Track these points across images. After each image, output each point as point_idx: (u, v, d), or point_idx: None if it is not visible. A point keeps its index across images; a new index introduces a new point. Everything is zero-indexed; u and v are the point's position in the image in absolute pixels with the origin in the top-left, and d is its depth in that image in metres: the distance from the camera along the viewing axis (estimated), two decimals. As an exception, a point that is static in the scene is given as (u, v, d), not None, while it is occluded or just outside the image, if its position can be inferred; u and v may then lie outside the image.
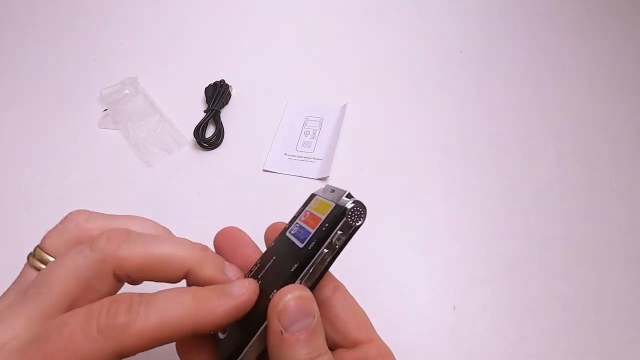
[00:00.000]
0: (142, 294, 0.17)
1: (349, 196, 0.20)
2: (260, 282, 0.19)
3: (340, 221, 0.19)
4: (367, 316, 0.21)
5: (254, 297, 0.18)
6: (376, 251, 0.39)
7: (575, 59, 0.55)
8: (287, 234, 0.21)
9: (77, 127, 0.50)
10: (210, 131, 0.48)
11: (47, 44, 0.59)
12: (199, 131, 0.47)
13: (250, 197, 0.44)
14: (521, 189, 0.43)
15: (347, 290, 0.22)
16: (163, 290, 0.17)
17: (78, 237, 0.19)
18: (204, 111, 0.49)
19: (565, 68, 0.54)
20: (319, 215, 0.20)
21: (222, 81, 0.51)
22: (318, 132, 0.48)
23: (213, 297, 0.17)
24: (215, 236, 0.23)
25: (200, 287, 0.18)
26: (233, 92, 0.52)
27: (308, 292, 0.18)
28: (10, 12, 0.63)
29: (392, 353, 0.21)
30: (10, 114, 0.51)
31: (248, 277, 0.21)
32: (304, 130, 0.49)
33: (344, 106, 0.50)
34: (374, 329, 0.21)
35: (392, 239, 0.40)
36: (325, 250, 0.19)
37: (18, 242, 0.42)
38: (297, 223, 0.21)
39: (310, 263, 0.19)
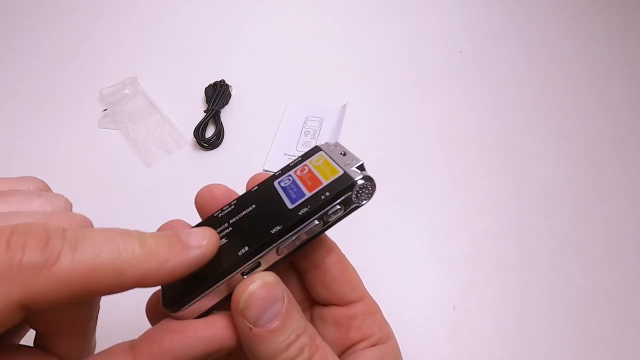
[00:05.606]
0: (63, 228, 0.13)
1: (361, 168, 0.17)
2: (230, 228, 0.17)
3: (344, 195, 0.16)
4: (358, 275, 0.21)
5: (214, 250, 0.15)
6: (376, 251, 0.39)
7: (575, 57, 0.55)
8: (276, 183, 0.18)
9: (77, 127, 0.50)
10: (210, 131, 0.48)
11: (47, 44, 0.59)
12: (199, 131, 0.47)
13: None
14: (521, 189, 0.43)
15: (340, 251, 0.20)
16: (97, 229, 0.13)
17: None
18: (204, 111, 0.49)
19: (564, 67, 0.54)
20: (320, 178, 0.17)
21: (222, 81, 0.51)
22: (318, 132, 0.48)
23: (164, 245, 0.14)
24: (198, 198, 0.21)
25: (148, 233, 0.14)
26: (233, 92, 0.52)
27: (271, 277, 0.16)
28: (9, 12, 0.63)
29: (379, 309, 0.20)
30: (10, 114, 0.51)
31: (217, 216, 0.19)
32: (304, 130, 0.49)
33: (344, 106, 0.50)
34: (364, 287, 0.21)
35: (392, 239, 0.40)
36: (316, 222, 0.16)
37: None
38: (290, 175, 0.18)
39: (296, 230, 0.16)
